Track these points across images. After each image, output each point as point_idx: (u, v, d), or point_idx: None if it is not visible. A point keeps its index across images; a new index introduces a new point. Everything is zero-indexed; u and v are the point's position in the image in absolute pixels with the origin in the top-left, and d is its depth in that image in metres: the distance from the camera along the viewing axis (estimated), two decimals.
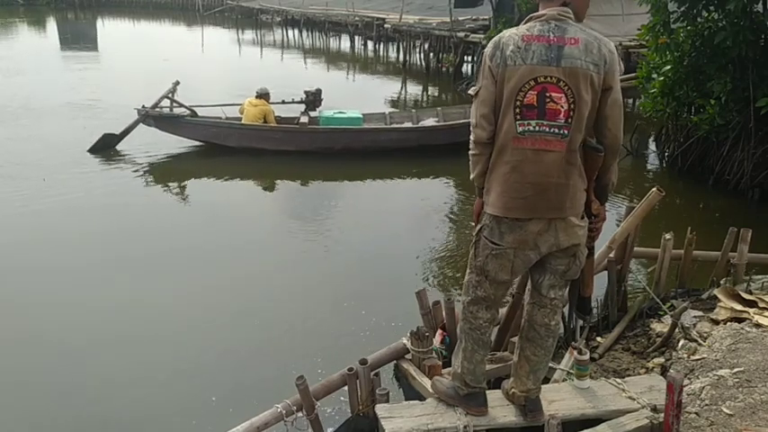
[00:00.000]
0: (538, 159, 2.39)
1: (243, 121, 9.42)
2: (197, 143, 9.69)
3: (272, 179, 8.70)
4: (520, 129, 2.39)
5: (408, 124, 10.15)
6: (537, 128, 2.37)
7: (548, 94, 2.34)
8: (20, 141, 10.03)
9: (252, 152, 9.17)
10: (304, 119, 9.68)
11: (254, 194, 8.36)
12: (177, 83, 9.54)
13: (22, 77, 16.07)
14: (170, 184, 8.41)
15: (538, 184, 2.41)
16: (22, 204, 7.31)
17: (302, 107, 10.06)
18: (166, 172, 8.95)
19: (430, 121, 10.13)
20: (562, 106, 2.35)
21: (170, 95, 9.43)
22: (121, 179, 8.44)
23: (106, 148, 9.49)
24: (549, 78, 2.33)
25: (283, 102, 10.11)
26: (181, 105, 9.48)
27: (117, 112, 11.25)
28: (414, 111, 10.95)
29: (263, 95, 9.51)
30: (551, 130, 2.37)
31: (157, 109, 9.35)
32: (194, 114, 9.48)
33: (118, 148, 9.56)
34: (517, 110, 2.38)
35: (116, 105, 12.09)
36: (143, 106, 9.27)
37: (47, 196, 7.58)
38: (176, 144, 9.66)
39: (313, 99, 10.05)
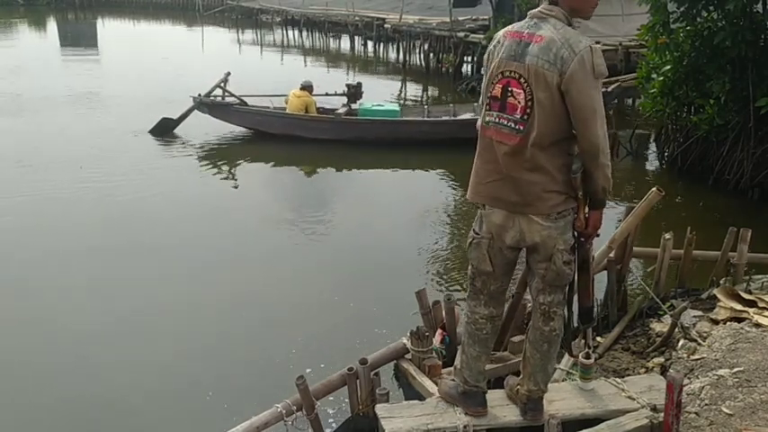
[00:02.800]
0: (495, 150, 2.50)
1: (287, 111, 10.12)
2: (244, 129, 10.48)
3: (304, 166, 9.28)
4: (487, 119, 2.53)
5: (446, 118, 10.61)
6: (497, 120, 2.48)
7: (510, 89, 2.43)
8: (37, 133, 10.53)
9: (292, 139, 9.86)
10: (342, 110, 10.42)
11: (274, 185, 8.64)
12: (228, 73, 10.37)
13: (26, 74, 16.43)
14: (204, 168, 9.07)
15: (496, 172, 2.52)
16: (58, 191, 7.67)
17: (344, 99, 10.71)
18: (207, 156, 9.58)
19: (467, 116, 10.38)
20: (520, 102, 2.41)
21: (222, 85, 10.22)
22: (155, 164, 9.02)
23: (164, 131, 10.34)
24: (512, 73, 2.42)
25: (327, 94, 10.82)
26: (232, 95, 10.24)
27: (121, 104, 12.35)
28: (452, 105, 11.49)
29: (307, 87, 10.15)
30: (508, 124, 2.45)
31: (211, 97, 10.19)
32: (244, 103, 10.22)
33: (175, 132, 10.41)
34: (487, 100, 2.52)
35: (121, 98, 13.02)
36: (199, 95, 10.12)
37: (91, 181, 8.05)
38: (227, 130, 10.46)
39: (354, 92, 10.69)
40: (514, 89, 2.41)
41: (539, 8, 2.44)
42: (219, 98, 10.27)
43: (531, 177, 2.44)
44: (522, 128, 2.41)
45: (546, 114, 2.37)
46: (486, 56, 2.60)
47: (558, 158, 2.45)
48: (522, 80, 2.38)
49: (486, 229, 2.60)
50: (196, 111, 10.26)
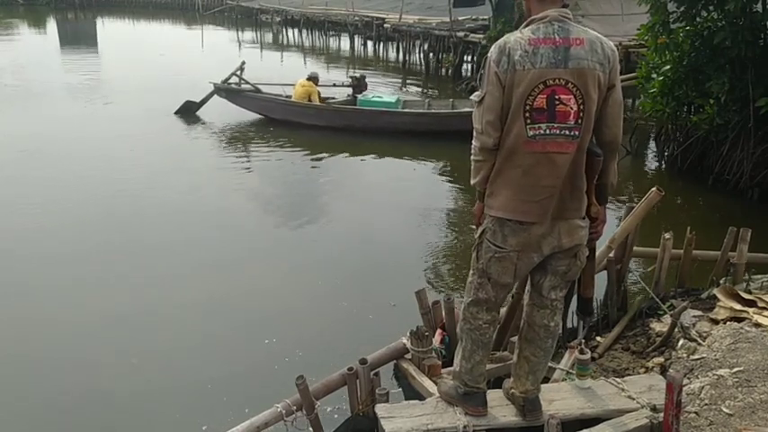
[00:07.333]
0: (550, 162, 2.39)
1: (292, 99, 10.98)
2: (255, 114, 11.55)
3: (305, 153, 9.71)
4: (530, 133, 2.37)
5: (444, 111, 11.15)
6: (547, 131, 2.36)
7: (557, 97, 2.33)
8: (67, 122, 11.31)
9: (291, 124, 10.88)
10: (342, 99, 11.46)
11: (272, 176, 8.74)
12: (244, 62, 11.47)
13: (34, 71, 16.88)
14: (208, 155, 9.53)
15: (553, 186, 2.41)
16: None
17: (350, 90, 11.79)
18: (216, 140, 10.47)
19: (465, 109, 10.60)
20: (571, 108, 2.34)
21: (237, 73, 11.26)
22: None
23: (187, 112, 11.60)
24: (557, 81, 2.32)
25: (334, 85, 12.00)
26: (247, 82, 11.28)
27: (129, 96, 13.41)
28: (452, 100, 12.09)
29: (312, 78, 11.09)
30: (562, 132, 2.36)
31: (228, 83, 11.29)
32: (257, 90, 11.26)
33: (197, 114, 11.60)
34: (527, 114, 2.36)
35: (127, 91, 14.00)
36: (221, 81, 11.28)
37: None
38: (240, 114, 11.51)
39: (358, 83, 11.78)
40: (562, 96, 2.33)
41: (555, 12, 2.37)
42: (235, 85, 11.28)
43: (579, 182, 2.46)
44: (577, 133, 2.37)
45: (593, 115, 2.40)
46: (498, 66, 2.36)
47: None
48: (569, 85, 2.32)
49: (517, 242, 2.49)
50: (215, 95, 11.36)
